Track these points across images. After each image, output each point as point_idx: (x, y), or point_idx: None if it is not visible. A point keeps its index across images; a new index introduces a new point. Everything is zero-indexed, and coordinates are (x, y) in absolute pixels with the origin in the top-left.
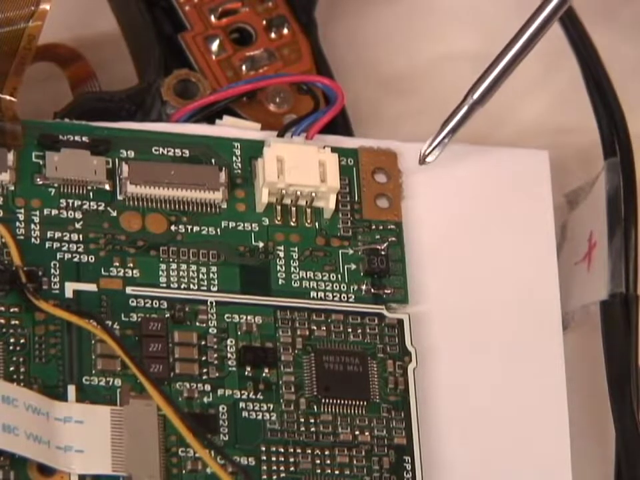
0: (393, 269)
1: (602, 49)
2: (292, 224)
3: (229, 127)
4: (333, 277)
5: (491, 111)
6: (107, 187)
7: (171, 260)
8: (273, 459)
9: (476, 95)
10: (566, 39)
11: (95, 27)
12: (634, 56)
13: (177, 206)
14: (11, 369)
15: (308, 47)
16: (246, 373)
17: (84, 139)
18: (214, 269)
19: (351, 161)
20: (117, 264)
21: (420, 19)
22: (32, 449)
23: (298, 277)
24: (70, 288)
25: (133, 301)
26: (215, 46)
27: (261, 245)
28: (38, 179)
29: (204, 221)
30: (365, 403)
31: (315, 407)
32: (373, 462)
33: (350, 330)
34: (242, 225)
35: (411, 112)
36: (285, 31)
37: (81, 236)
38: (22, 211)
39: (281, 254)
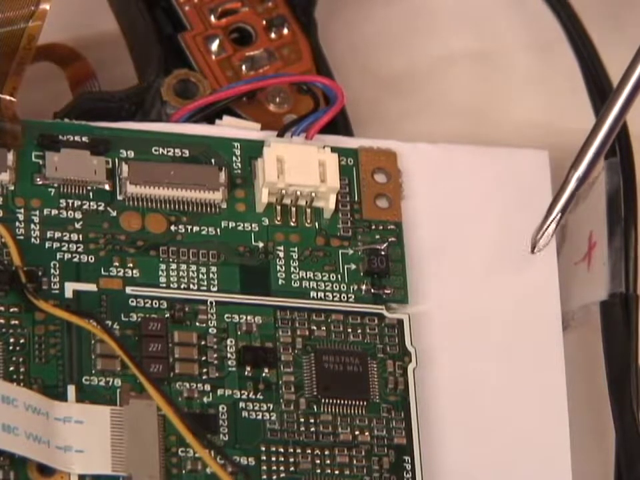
0: (392, 269)
1: (602, 49)
2: (292, 224)
3: (229, 127)
4: (332, 277)
5: (491, 111)
6: (107, 187)
7: (170, 260)
8: (273, 459)
9: (580, 171)
10: (566, 39)
11: (95, 27)
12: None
13: (176, 206)
14: (11, 368)
15: (308, 47)
16: (246, 373)
17: (84, 139)
18: (214, 269)
19: (350, 161)
20: (117, 264)
21: (420, 19)
22: (32, 448)
23: (298, 277)
24: (70, 288)
25: (132, 301)
26: (214, 46)
27: (260, 245)
28: (38, 179)
29: (204, 220)
30: (365, 403)
31: (315, 407)
32: (373, 462)
33: (350, 330)
34: (242, 225)
35: (411, 112)
36: (285, 30)
37: (80, 236)
38: (22, 211)
39: (281, 254)
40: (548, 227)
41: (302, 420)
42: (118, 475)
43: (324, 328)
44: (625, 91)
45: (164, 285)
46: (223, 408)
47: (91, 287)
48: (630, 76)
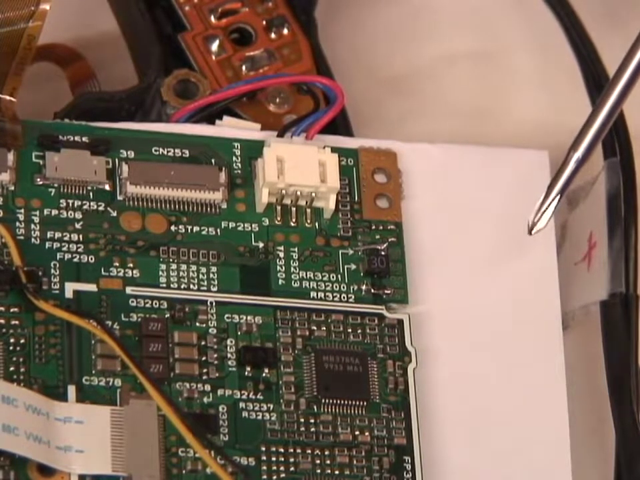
0: (393, 269)
1: (602, 49)
2: (292, 224)
3: (229, 127)
4: (332, 277)
5: (491, 110)
6: (107, 187)
7: (171, 260)
8: (273, 459)
9: (580, 152)
10: (566, 39)
11: (95, 27)
12: None
13: (176, 206)
14: (11, 369)
15: (308, 47)
16: (246, 373)
17: (84, 139)
18: (214, 269)
19: (351, 161)
20: (117, 264)
21: (420, 19)
22: (32, 449)
23: (298, 277)
24: (70, 288)
25: (132, 301)
26: (214, 46)
27: (261, 245)
28: (38, 179)
29: (204, 221)
30: (365, 403)
31: (315, 407)
32: (373, 462)
33: (350, 330)
34: (242, 225)
35: (411, 112)
36: (285, 31)
37: (81, 236)
38: (22, 211)
39: (281, 254)
40: (546, 208)
41: (302, 420)
42: (118, 475)
43: (324, 328)
44: (627, 73)
45: (164, 285)
46: (223, 408)
47: (91, 287)
48: (631, 58)
